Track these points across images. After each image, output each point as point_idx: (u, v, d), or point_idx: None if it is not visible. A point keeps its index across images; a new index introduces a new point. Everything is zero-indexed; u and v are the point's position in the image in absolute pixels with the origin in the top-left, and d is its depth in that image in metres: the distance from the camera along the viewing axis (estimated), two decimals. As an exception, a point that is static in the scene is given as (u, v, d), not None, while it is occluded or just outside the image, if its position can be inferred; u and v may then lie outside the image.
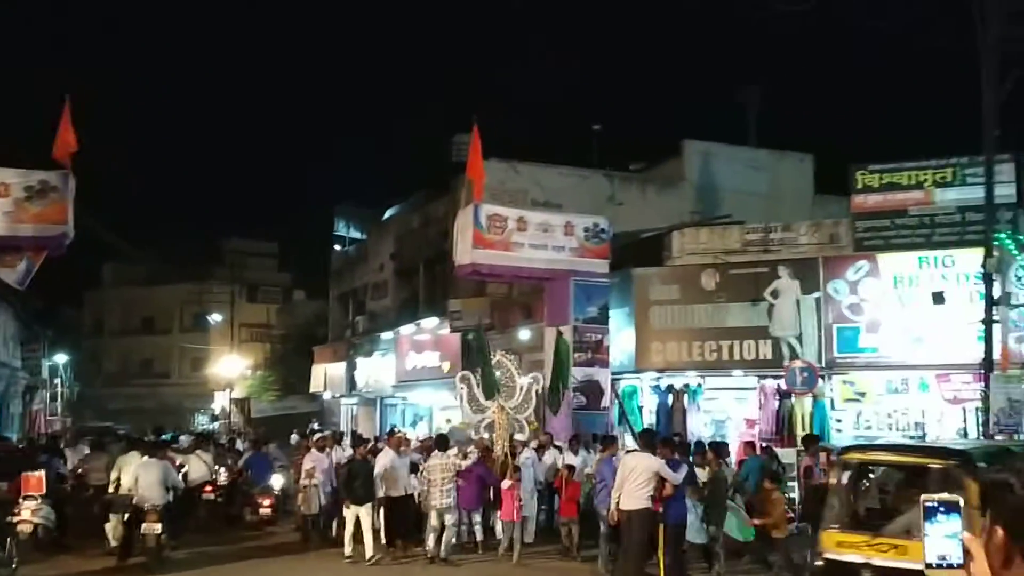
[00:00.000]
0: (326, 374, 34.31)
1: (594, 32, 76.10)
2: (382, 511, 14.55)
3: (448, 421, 25.71)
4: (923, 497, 1.95)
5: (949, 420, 18.40)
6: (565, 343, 18.45)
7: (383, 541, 14.36)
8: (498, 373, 16.54)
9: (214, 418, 47.53)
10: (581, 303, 19.39)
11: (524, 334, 22.43)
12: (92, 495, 15.78)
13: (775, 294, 19.27)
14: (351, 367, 32.16)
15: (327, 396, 35.03)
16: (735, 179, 26.74)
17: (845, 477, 8.73)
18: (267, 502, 17.21)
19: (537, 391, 17.22)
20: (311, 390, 35.75)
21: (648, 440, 12.33)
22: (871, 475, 9.83)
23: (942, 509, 1.90)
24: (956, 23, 15.99)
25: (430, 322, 26.55)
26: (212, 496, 17.32)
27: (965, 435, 17.95)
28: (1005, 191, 17.35)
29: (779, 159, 28.29)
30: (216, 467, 18.08)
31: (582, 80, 68.50)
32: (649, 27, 73.46)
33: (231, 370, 45.57)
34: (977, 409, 16.91)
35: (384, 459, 14.29)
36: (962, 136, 17.69)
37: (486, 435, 16.32)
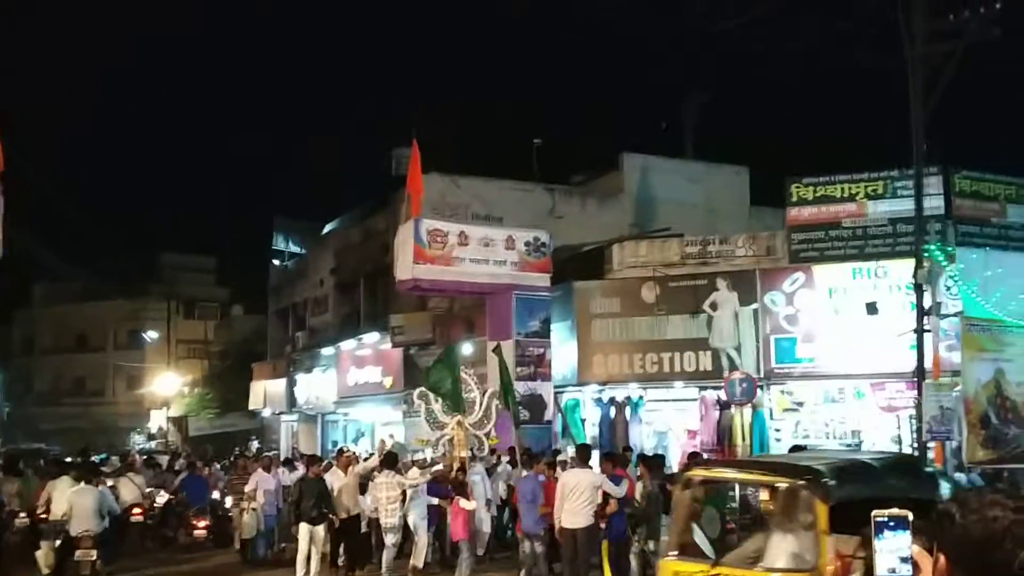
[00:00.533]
0: (266, 391, 33.86)
1: (533, 45, 76.53)
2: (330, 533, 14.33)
3: (391, 436, 25.51)
4: (874, 513, 2.00)
5: (884, 428, 18.79)
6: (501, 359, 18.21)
7: (338, 563, 14.19)
8: (436, 405, 16.40)
9: (150, 437, 46.55)
10: (523, 317, 19.41)
11: (466, 349, 22.34)
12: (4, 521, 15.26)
13: (714, 306, 19.50)
14: (291, 383, 31.79)
15: (267, 413, 34.57)
16: (673, 191, 27.05)
17: (687, 497, 7.61)
18: (202, 523, 16.87)
19: (497, 406, 17.15)
20: (250, 407, 35.25)
21: (585, 455, 12.30)
22: (730, 494, 9.02)
23: (891, 524, 1.96)
24: (886, 39, 16.39)
25: (371, 337, 26.38)
26: (141, 519, 16.87)
27: (899, 442, 18.35)
28: (934, 203, 17.78)
29: (715, 171, 28.69)
30: (151, 488, 17.70)
31: (522, 93, 68.81)
32: (587, 41, 74.10)
33: (168, 388, 44.72)
34: (911, 417, 17.27)
35: (332, 479, 14.13)
36: (893, 150, 18.12)
37: (441, 452, 16.14)
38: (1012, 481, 17.19)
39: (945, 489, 6.86)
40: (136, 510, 16.58)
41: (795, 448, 15.40)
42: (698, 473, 8.07)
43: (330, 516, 13.68)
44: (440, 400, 16.15)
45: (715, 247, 20.35)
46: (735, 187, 28.69)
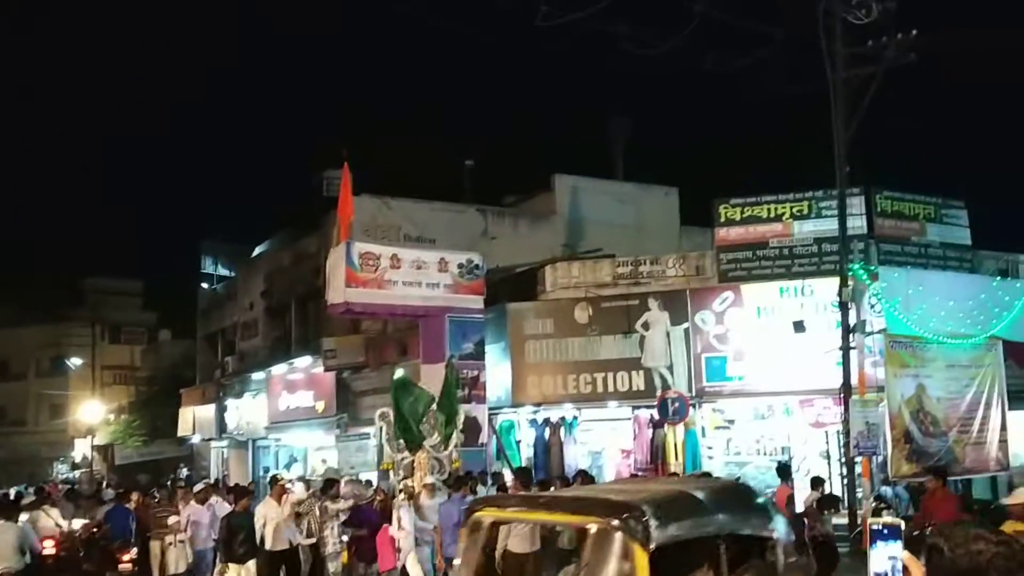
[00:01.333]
0: (195, 417, 33.17)
1: (465, 67, 76.83)
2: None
3: (324, 462, 25.23)
4: (869, 520, 2.14)
5: (813, 444, 19.14)
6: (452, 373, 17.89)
7: None
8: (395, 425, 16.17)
9: (74, 466, 45.14)
10: (457, 339, 19.32)
11: (399, 372, 22.18)
12: None
13: (646, 326, 19.68)
14: (221, 409, 31.19)
15: (196, 440, 33.84)
16: (604, 212, 27.31)
17: (479, 539, 6.32)
18: (126, 557, 16.25)
19: (461, 430, 16.92)
20: (179, 434, 34.46)
21: (525, 479, 12.24)
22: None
23: (885, 532, 2.09)
24: (810, 65, 16.82)
25: (303, 361, 26.04)
26: (54, 551, 16.02)
27: (828, 457, 18.71)
28: (857, 223, 18.26)
29: (645, 192, 29.06)
30: (71, 520, 17.06)
31: (454, 115, 68.98)
32: (519, 63, 74.65)
33: (93, 415, 43.41)
34: (838, 432, 17.63)
35: (266, 511, 13.37)
36: (818, 171, 18.53)
37: (402, 476, 15.62)
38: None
39: (780, 523, 5.84)
40: (48, 543, 15.74)
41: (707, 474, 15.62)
42: (489, 513, 6.47)
43: (264, 550, 12.97)
44: (404, 425, 15.80)
45: (646, 267, 20.56)
46: (665, 207, 29.09)
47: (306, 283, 26.89)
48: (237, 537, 12.73)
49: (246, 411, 29.69)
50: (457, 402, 16.99)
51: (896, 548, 2.11)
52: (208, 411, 32.11)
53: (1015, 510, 6.51)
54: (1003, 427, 17.30)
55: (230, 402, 30.75)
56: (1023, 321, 17.64)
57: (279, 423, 27.41)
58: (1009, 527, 4.20)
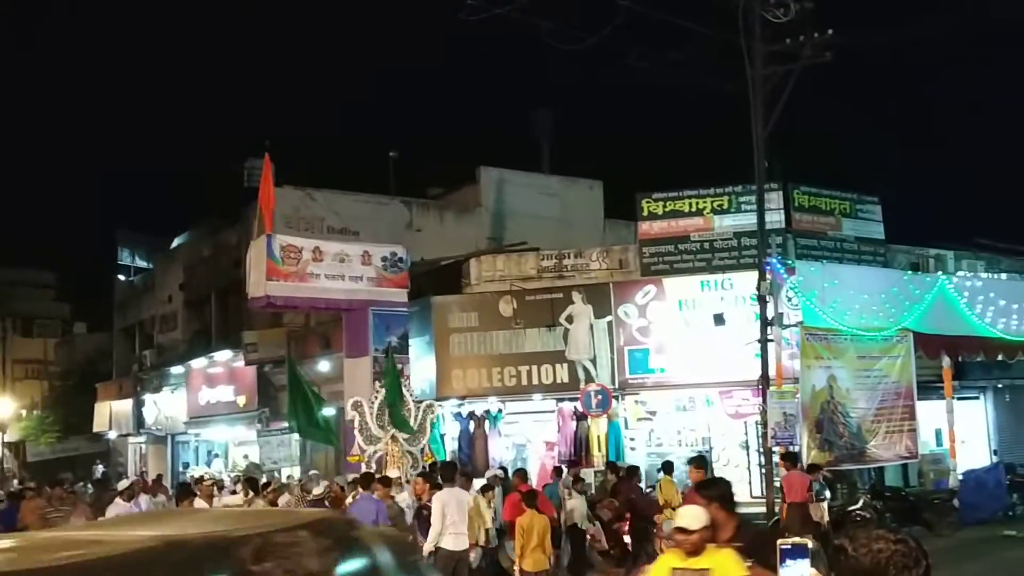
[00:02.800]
0: (111, 412, 32.38)
1: (390, 58, 76.25)
2: None
3: (245, 457, 24.89)
4: (780, 541, 2.30)
5: (732, 434, 19.53)
6: (391, 363, 17.69)
7: None
8: (369, 414, 15.92)
9: (-17, 465, 43.72)
10: (380, 333, 19.16)
11: (323, 365, 22.01)
12: None
13: (570, 319, 19.82)
14: (139, 404, 30.53)
15: (113, 435, 33.05)
16: (529, 205, 27.41)
17: None
18: None
19: (432, 420, 16.72)
20: (95, 429, 33.59)
21: (450, 473, 12.13)
22: None
23: (792, 551, 2.35)
24: (730, 62, 17.10)
25: (224, 355, 25.62)
26: None
27: (747, 447, 19.12)
28: (775, 217, 18.65)
29: (570, 185, 29.23)
30: None
31: (378, 106, 68.43)
32: (444, 54, 74.40)
33: (3, 412, 42.08)
34: (757, 423, 18.02)
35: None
36: (738, 166, 18.90)
37: (373, 469, 15.24)
38: (851, 482, 18.17)
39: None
40: None
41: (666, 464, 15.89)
42: None
43: None
44: (376, 412, 15.52)
45: (570, 261, 20.70)
46: (590, 201, 29.30)
47: (226, 275, 26.42)
48: None
49: (165, 406, 29.13)
50: (401, 390, 16.65)
51: (804, 566, 2.24)
52: (125, 406, 31.40)
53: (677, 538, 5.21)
54: (912, 417, 17.85)
55: (148, 397, 30.12)
56: (933, 314, 18.20)
57: (199, 418, 26.96)
58: (664, 563, 3.83)
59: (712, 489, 4.54)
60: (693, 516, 3.69)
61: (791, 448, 15.98)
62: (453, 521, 10.73)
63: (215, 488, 15.15)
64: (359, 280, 18.86)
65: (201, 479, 15.26)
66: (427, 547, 10.63)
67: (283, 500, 13.20)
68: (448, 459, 17.70)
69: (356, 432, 16.05)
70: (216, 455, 27.43)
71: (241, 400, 24.59)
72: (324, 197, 25.39)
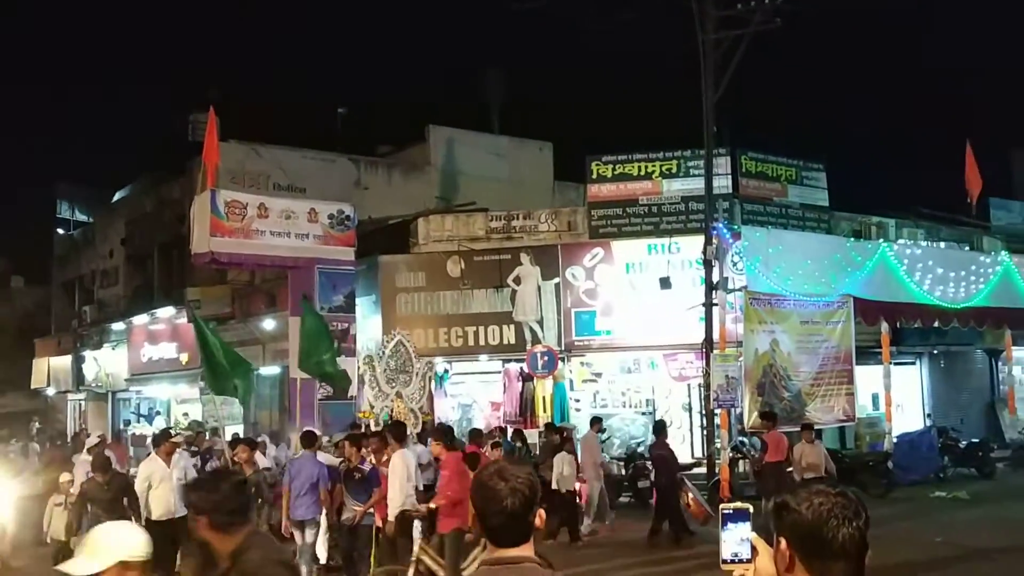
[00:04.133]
0: (50, 368, 31.86)
1: (340, 11, 74.93)
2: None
3: (186, 415, 24.68)
4: (721, 506, 2.33)
5: (676, 396, 19.80)
6: (311, 311, 16.63)
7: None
8: (393, 363, 15.66)
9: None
10: (327, 291, 19.04)
11: (268, 323, 21.80)
12: None
13: (518, 280, 19.84)
14: (78, 360, 30.01)
15: (51, 392, 32.50)
16: (478, 165, 27.27)
17: None
18: None
19: (430, 377, 16.55)
20: (32, 386, 33.01)
21: (399, 433, 11.89)
22: None
23: (735, 515, 2.31)
24: (681, 27, 17.10)
25: (166, 311, 25.23)
26: None
27: (689, 409, 19.41)
28: (722, 182, 18.82)
29: (520, 147, 29.11)
30: None
31: (326, 60, 67.30)
32: (395, 11, 73.26)
33: (-64, 366, 41.12)
34: (699, 386, 18.28)
35: (150, 470, 11.08)
36: (688, 130, 18.95)
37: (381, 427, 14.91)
38: (791, 444, 18.53)
39: None
40: None
41: (595, 419, 16.02)
42: None
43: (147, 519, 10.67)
44: (384, 369, 15.22)
45: (519, 222, 20.67)
46: (539, 163, 29.22)
47: (170, 230, 25.98)
48: (98, 505, 10.30)
49: (105, 362, 28.68)
50: (328, 340, 15.94)
51: (745, 529, 2.31)
52: (64, 362, 30.87)
53: None
54: (851, 381, 18.23)
55: (88, 353, 29.61)
56: (873, 280, 18.54)
57: (141, 375, 26.61)
58: None
59: None
60: None
61: (735, 410, 16.27)
62: (412, 482, 10.54)
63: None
64: (305, 238, 18.69)
65: (167, 432, 13.08)
66: (393, 511, 10.20)
67: (176, 457, 11.51)
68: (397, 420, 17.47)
69: (367, 388, 15.85)
70: (158, 413, 27.13)
71: (184, 358, 24.27)
72: (270, 153, 25.00)
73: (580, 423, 19.47)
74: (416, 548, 9.61)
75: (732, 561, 2.30)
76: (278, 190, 23.30)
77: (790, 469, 14.17)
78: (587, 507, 14.81)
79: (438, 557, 9.56)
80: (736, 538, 2.31)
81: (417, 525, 10.32)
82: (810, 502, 2.17)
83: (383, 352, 16.30)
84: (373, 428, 14.59)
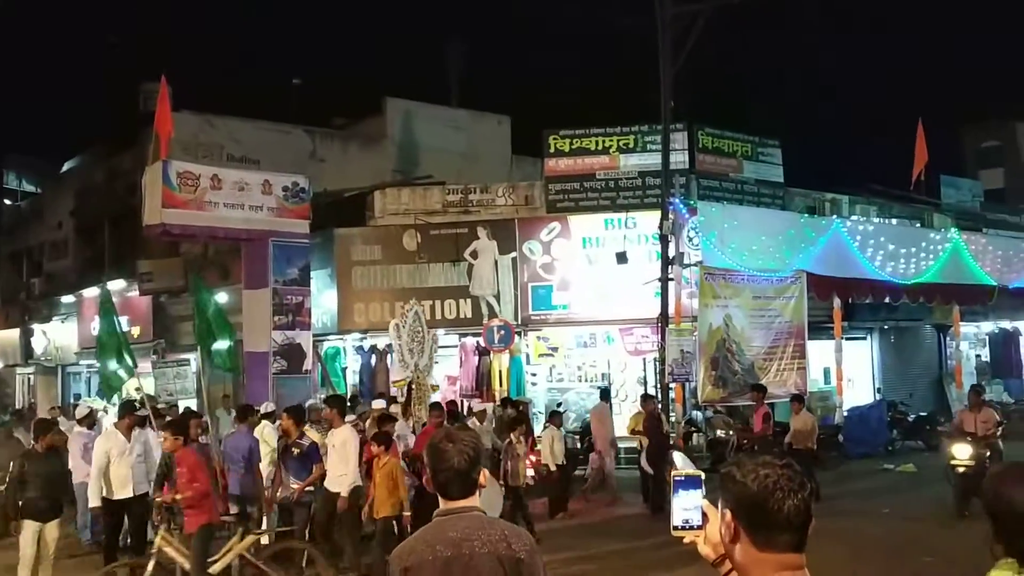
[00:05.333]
0: (-3, 342, 31.23)
1: (295, -21, 73.59)
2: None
3: (138, 390, 24.31)
4: (673, 472, 2.31)
5: (632, 371, 19.92)
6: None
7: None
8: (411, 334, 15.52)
9: None
10: (281, 264, 18.81)
11: (221, 296, 21.43)
12: None
13: (474, 254, 19.78)
14: (27, 333, 29.50)
15: (-1, 366, 31.91)
16: (435, 138, 27.09)
17: None
18: None
19: (435, 349, 16.39)
20: (-21, 360, 32.38)
21: (342, 408, 11.74)
22: None
23: (686, 482, 2.29)
24: (639, 2, 17.05)
25: (117, 284, 24.76)
26: None
27: (645, 383, 19.54)
28: (679, 158, 18.87)
29: (478, 120, 28.95)
30: None
31: (280, 30, 66.24)
32: (352, -22, 72.23)
33: None
34: (655, 360, 18.41)
35: (108, 446, 10.44)
36: (646, 105, 18.95)
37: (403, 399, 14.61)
38: (744, 417, 18.78)
39: None
40: None
41: (604, 391, 16.05)
42: None
43: (95, 502, 10.30)
44: (407, 339, 15.02)
45: (476, 196, 20.59)
46: (497, 136, 29.10)
47: (121, 202, 25.49)
48: (34, 485, 9.45)
49: (55, 336, 28.21)
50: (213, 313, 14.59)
51: (697, 497, 2.30)
52: (12, 335, 30.32)
53: None
54: (803, 355, 18.46)
55: (37, 326, 29.10)
56: (826, 256, 18.74)
57: (91, 348, 26.05)
58: None
59: None
60: None
61: (689, 384, 16.42)
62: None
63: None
64: (259, 210, 18.43)
65: (131, 405, 12.15)
66: (347, 486, 10.00)
67: (137, 432, 10.98)
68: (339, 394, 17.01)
69: (395, 357, 15.72)
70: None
71: (136, 331, 23.90)
72: (224, 124, 24.62)
73: (536, 397, 19.59)
74: (158, 539, 8.85)
75: (683, 528, 2.29)
76: (232, 161, 22.95)
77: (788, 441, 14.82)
78: (606, 479, 15.13)
79: (182, 548, 8.76)
80: (687, 505, 2.30)
81: None
82: (756, 473, 2.15)
83: (405, 322, 16.22)
84: (401, 398, 14.76)
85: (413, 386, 15.20)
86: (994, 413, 14.07)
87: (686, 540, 2.29)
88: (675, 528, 2.30)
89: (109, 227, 27.61)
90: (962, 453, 13.01)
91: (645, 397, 15.85)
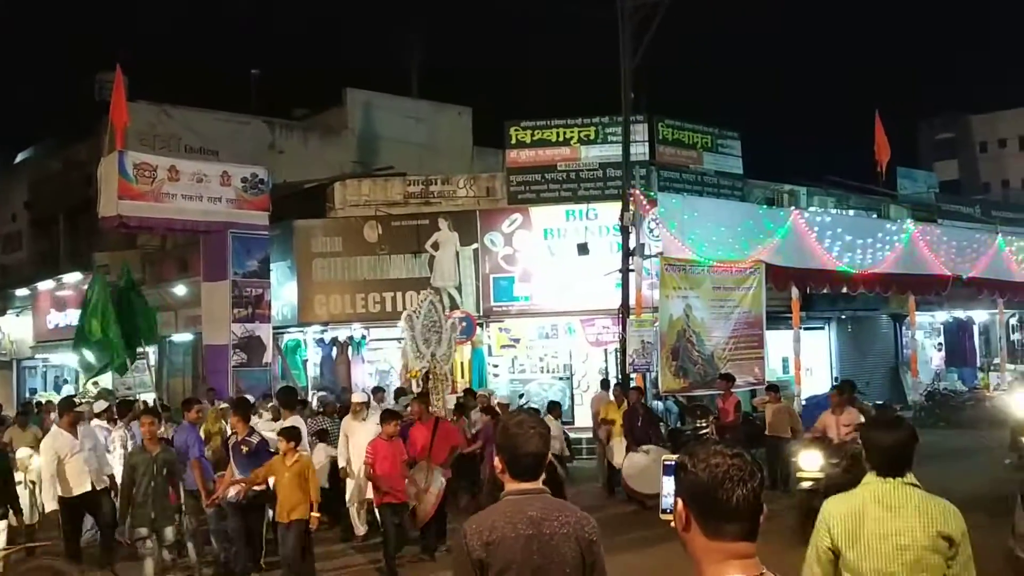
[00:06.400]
0: (-51, 336, 30.61)
1: (254, -32, 72.71)
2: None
3: (95, 384, 24.01)
4: (664, 457, 2.36)
5: (593, 361, 20.00)
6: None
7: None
8: (427, 323, 15.32)
9: None
10: (240, 256, 18.66)
11: (180, 289, 21.33)
12: None
13: (436, 246, 19.74)
14: (-20, 327, 28.93)
15: (-49, 360, 31.29)
16: (396, 129, 26.98)
17: None
18: None
19: (455, 337, 16.27)
20: (-70, 355, 31.73)
21: (289, 400, 11.45)
22: None
23: (672, 467, 2.30)
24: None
25: (73, 277, 24.46)
26: None
27: (606, 373, 19.62)
28: (639, 149, 18.94)
29: (439, 111, 28.87)
30: None
31: (239, 20, 65.52)
32: (312, -33, 71.49)
33: None
34: (616, 350, 18.49)
35: (56, 445, 10.22)
36: (606, 97, 19.04)
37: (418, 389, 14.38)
38: (703, 406, 18.92)
39: None
40: None
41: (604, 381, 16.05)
42: None
43: (50, 503, 10.16)
44: (421, 329, 14.86)
45: (437, 187, 20.53)
46: (458, 127, 29.04)
47: (77, 193, 25.11)
48: None
49: (9, 330, 27.78)
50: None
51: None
52: (-35, 329, 29.72)
53: None
54: (761, 345, 18.62)
55: (-10, 320, 28.58)
56: (784, 247, 18.90)
57: (47, 342, 25.79)
58: None
59: None
60: None
61: (650, 374, 16.51)
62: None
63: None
64: (218, 201, 18.27)
65: (71, 401, 11.70)
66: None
67: (82, 429, 10.76)
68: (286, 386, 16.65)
69: (407, 347, 15.58)
70: (66, 381, 26.36)
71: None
72: (181, 114, 24.33)
73: (498, 388, 19.60)
74: None
75: (671, 511, 2.30)
76: (189, 152, 22.75)
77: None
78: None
79: None
80: (669, 491, 2.32)
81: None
82: (706, 463, 2.17)
83: (419, 312, 16.09)
84: (415, 389, 14.60)
85: (430, 376, 15.18)
86: (857, 415, 11.55)
87: (672, 524, 2.30)
88: (664, 511, 2.32)
89: (64, 219, 27.22)
90: (810, 464, 10.91)
91: (627, 386, 15.77)
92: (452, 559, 3.41)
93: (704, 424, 16.69)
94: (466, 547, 3.23)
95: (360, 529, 11.65)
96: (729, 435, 14.40)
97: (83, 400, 17.41)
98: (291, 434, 9.35)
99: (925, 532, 3.64)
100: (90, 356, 15.07)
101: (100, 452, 10.87)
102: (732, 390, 15.74)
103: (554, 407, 15.04)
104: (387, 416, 10.42)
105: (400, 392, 16.02)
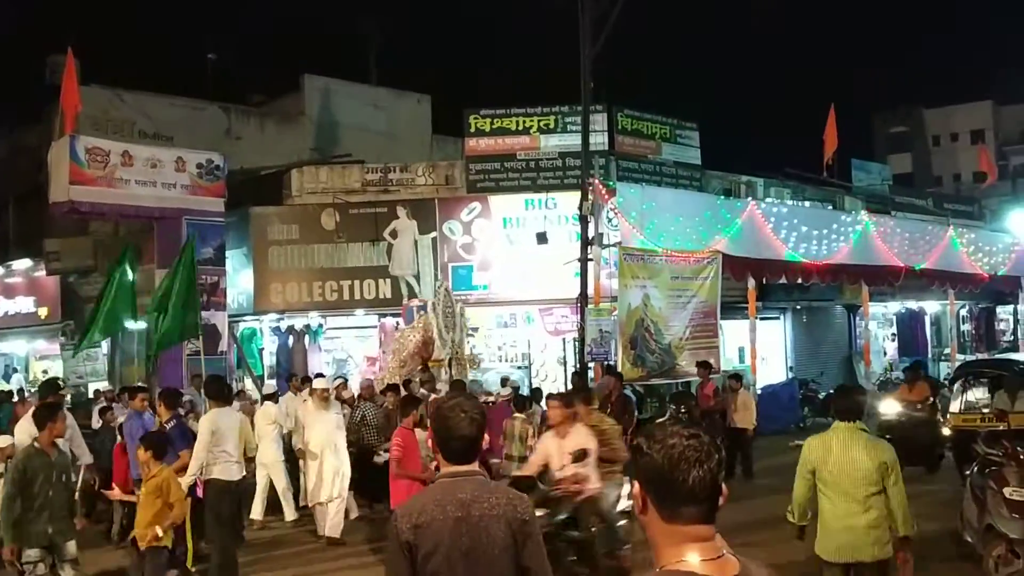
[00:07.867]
0: None
1: (210, -48, 71.63)
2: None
3: (45, 372, 23.63)
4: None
5: (551, 350, 20.03)
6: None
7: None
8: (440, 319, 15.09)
9: None
10: (195, 243, 18.38)
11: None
12: None
13: (394, 234, 19.63)
14: (-73, 315, 28.24)
15: None
16: (355, 117, 26.75)
17: None
18: None
19: (464, 326, 15.99)
20: None
21: (219, 390, 10.76)
22: None
23: None
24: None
25: (22, 264, 23.99)
26: None
27: (564, 362, 19.67)
28: (599, 139, 18.96)
29: (398, 98, 28.67)
30: None
31: (195, 2, 64.44)
32: (270, -48, 70.52)
33: None
34: (575, 339, 18.53)
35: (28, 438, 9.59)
36: (567, 87, 19.03)
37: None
38: (660, 395, 19.07)
39: None
40: None
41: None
42: None
43: None
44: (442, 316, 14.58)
45: (396, 175, 20.42)
46: (418, 115, 28.87)
47: (26, 178, 24.54)
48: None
49: (-43, 317, 27.09)
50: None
51: None
52: (-90, 317, 29.01)
53: None
54: (715, 334, 18.78)
55: (-62, 308, 27.91)
56: (741, 237, 19.06)
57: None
58: None
59: None
60: None
61: (608, 363, 16.57)
62: (223, 449, 9.11)
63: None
64: (172, 187, 18.01)
65: (21, 394, 11.60)
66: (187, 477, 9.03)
67: None
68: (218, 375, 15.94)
69: (435, 336, 15.32)
70: (15, 370, 25.88)
71: (43, 312, 23.17)
72: (135, 99, 23.87)
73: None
74: None
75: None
76: (144, 138, 22.32)
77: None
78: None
79: None
80: None
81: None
82: (662, 445, 2.13)
83: (438, 301, 15.93)
84: (444, 378, 14.57)
85: (453, 362, 15.09)
86: (927, 387, 15.00)
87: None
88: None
89: (14, 205, 26.62)
90: (888, 409, 13.69)
91: (609, 371, 15.70)
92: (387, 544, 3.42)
93: (685, 411, 16.70)
94: (396, 530, 3.26)
95: (291, 514, 11.71)
96: (708, 421, 14.57)
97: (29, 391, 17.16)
98: (150, 442, 7.92)
99: (870, 458, 5.78)
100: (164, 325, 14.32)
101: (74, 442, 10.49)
102: (708, 377, 16.04)
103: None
104: (409, 403, 9.80)
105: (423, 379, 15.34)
